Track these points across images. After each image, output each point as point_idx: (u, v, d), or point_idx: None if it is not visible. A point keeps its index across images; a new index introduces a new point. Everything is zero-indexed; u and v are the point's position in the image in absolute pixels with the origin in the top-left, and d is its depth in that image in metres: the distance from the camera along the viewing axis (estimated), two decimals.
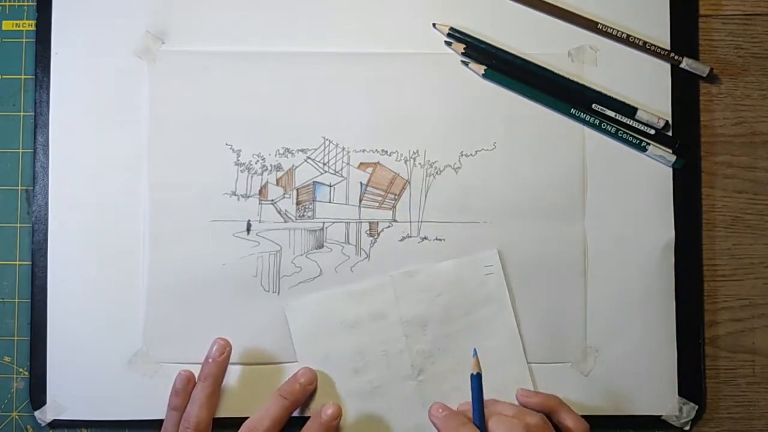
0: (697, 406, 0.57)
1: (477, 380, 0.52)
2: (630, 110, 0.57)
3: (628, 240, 0.57)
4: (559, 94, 0.58)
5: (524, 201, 0.57)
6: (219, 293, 0.57)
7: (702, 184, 0.58)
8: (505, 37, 0.58)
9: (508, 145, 0.58)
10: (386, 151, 0.57)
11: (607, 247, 0.58)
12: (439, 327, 0.56)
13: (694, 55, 0.58)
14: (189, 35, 0.57)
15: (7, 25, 0.58)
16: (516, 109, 0.58)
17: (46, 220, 0.57)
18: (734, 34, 0.59)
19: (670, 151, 0.58)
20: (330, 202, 0.57)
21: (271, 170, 0.57)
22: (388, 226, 0.57)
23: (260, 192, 0.57)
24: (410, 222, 0.57)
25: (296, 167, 0.57)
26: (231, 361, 0.56)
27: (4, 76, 0.58)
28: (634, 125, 0.57)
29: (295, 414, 0.56)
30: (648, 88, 0.58)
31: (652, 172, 0.58)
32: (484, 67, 0.57)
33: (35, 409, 0.56)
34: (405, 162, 0.57)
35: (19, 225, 0.58)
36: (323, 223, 0.57)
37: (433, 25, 0.58)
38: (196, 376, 0.55)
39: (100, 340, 0.56)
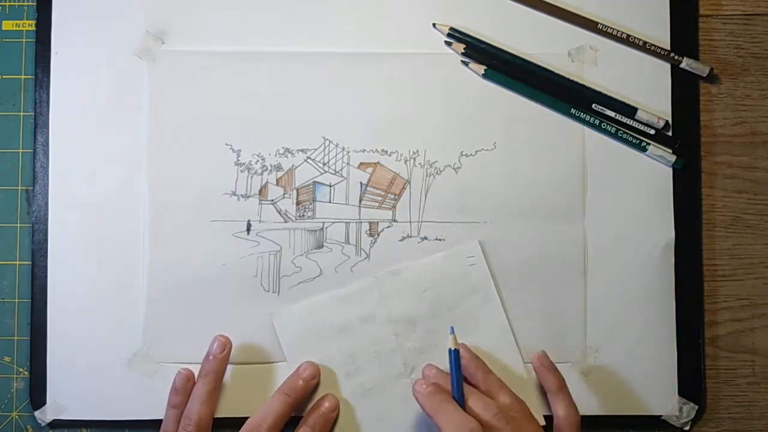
0: (697, 406, 0.57)
1: (455, 355, 0.52)
2: (630, 110, 0.57)
3: (628, 240, 0.57)
4: (559, 94, 0.58)
5: (524, 201, 0.57)
6: (219, 293, 0.57)
7: (702, 184, 0.58)
8: (505, 37, 0.58)
9: (508, 145, 0.58)
10: (386, 151, 0.57)
11: (607, 247, 0.58)
12: (427, 323, 0.56)
13: (694, 55, 0.58)
14: (189, 35, 0.57)
15: (7, 25, 0.58)
16: (516, 109, 0.58)
17: (46, 220, 0.57)
18: (734, 34, 0.59)
19: (670, 151, 0.58)
20: (330, 202, 0.57)
21: (271, 170, 0.57)
22: (388, 226, 0.57)
23: (260, 192, 0.57)
24: (410, 222, 0.57)
25: (296, 167, 0.57)
26: (231, 360, 0.56)
27: (4, 76, 0.58)
28: (634, 125, 0.57)
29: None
30: (648, 88, 0.58)
31: (652, 172, 0.58)
32: (484, 67, 0.57)
33: (35, 409, 0.56)
34: (405, 162, 0.57)
35: (19, 225, 0.58)
36: (323, 223, 0.57)
37: (433, 25, 0.58)
38: (196, 374, 0.55)
39: (100, 340, 0.56)
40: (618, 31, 0.57)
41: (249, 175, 0.57)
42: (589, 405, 0.57)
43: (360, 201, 0.57)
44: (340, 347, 0.56)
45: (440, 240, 0.57)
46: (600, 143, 0.58)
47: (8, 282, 0.57)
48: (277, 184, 0.57)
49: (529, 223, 0.57)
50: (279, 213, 0.57)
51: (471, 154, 0.57)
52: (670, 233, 0.58)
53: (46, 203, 0.57)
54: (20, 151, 0.58)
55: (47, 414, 0.56)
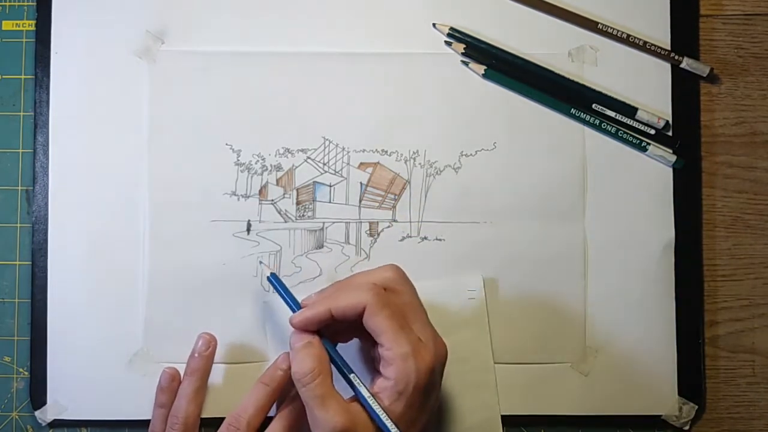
0: (697, 406, 0.57)
1: (274, 279, 0.52)
2: (630, 110, 0.57)
3: (628, 240, 0.57)
4: (559, 94, 0.57)
5: (524, 201, 0.57)
6: (219, 293, 0.57)
7: (702, 184, 0.58)
8: (505, 37, 0.58)
9: (508, 145, 0.58)
10: (386, 151, 0.57)
11: (607, 247, 0.58)
12: None
13: (695, 55, 0.58)
14: (189, 35, 0.57)
15: (7, 25, 0.58)
16: (516, 109, 0.58)
17: (46, 220, 0.57)
18: (735, 34, 0.59)
19: (671, 151, 0.58)
20: (330, 202, 0.57)
21: (271, 170, 0.57)
22: (388, 226, 0.57)
23: (260, 192, 0.57)
24: (410, 222, 0.57)
25: (296, 167, 0.57)
26: (231, 360, 0.56)
27: (4, 76, 0.58)
28: (634, 125, 0.57)
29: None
30: (648, 88, 0.58)
31: (652, 172, 0.58)
32: (484, 67, 0.57)
33: (35, 409, 0.56)
34: (405, 162, 0.57)
35: (19, 225, 0.58)
36: (323, 223, 0.57)
37: (433, 25, 0.58)
38: (182, 373, 0.55)
39: (100, 340, 0.56)
40: (618, 31, 0.57)
41: (249, 175, 0.57)
42: (589, 405, 0.57)
43: (360, 201, 0.57)
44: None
45: (440, 240, 0.57)
46: (600, 143, 0.58)
47: (8, 282, 0.57)
48: (277, 184, 0.57)
49: (529, 223, 0.57)
50: (279, 213, 0.57)
51: (471, 154, 0.57)
52: (670, 233, 0.58)
53: (46, 203, 0.57)
54: (20, 151, 0.58)
55: (47, 414, 0.56)
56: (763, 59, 0.59)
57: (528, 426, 0.57)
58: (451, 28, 0.58)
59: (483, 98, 0.58)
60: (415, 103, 0.57)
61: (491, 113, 0.58)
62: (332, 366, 0.49)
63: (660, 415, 0.57)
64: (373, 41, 0.58)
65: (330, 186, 0.57)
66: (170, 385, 0.55)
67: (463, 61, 0.58)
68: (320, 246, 0.57)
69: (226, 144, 0.57)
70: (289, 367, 0.52)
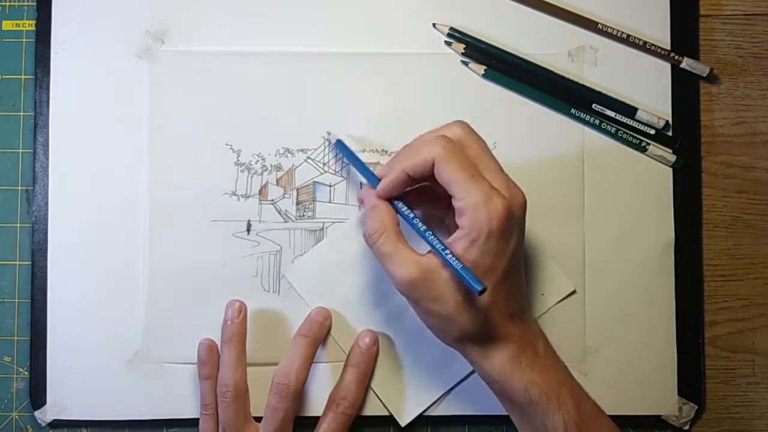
0: (696, 406, 0.57)
1: (340, 146, 0.54)
2: (630, 110, 0.57)
3: (628, 240, 0.57)
4: (559, 94, 0.57)
5: None
6: (219, 293, 0.57)
7: (702, 184, 0.58)
8: (505, 37, 0.58)
9: (508, 145, 0.57)
10: (386, 151, 0.57)
11: (606, 247, 0.57)
12: None
13: (694, 55, 0.58)
14: (189, 35, 0.57)
15: (7, 25, 0.58)
16: (516, 109, 0.58)
17: (46, 220, 0.57)
18: (734, 34, 0.59)
19: (670, 151, 0.58)
20: (330, 202, 0.57)
21: (271, 170, 0.57)
22: None
23: (260, 192, 0.57)
24: None
25: (296, 167, 0.57)
26: None
27: (4, 76, 0.58)
28: (634, 125, 0.57)
29: (306, 414, 0.56)
30: (648, 88, 0.58)
31: (652, 172, 0.58)
32: (484, 67, 0.57)
33: (35, 409, 0.56)
34: None
35: (18, 225, 0.58)
36: (323, 223, 0.57)
37: (433, 25, 0.58)
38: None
39: (100, 340, 0.56)
40: (618, 31, 0.57)
41: (249, 175, 0.57)
42: None
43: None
44: (360, 278, 0.56)
45: None
46: (600, 143, 0.58)
47: (8, 282, 0.57)
48: (277, 184, 0.57)
49: (528, 223, 0.57)
50: (279, 213, 0.57)
51: None
52: (670, 233, 0.58)
53: (46, 203, 0.57)
54: (20, 151, 0.58)
55: (47, 414, 0.56)
56: (763, 59, 0.59)
57: None
58: (451, 28, 0.58)
59: (483, 98, 0.58)
60: (415, 103, 0.57)
61: (491, 113, 0.58)
62: (410, 225, 0.49)
63: (660, 415, 0.57)
64: (373, 41, 0.58)
65: (330, 186, 0.57)
66: (210, 355, 0.55)
67: (463, 61, 0.58)
68: None
69: (226, 144, 0.57)
70: (323, 318, 0.55)
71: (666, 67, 0.58)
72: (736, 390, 0.58)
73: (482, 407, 0.56)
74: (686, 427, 0.57)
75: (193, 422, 0.56)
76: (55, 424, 0.57)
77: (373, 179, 0.52)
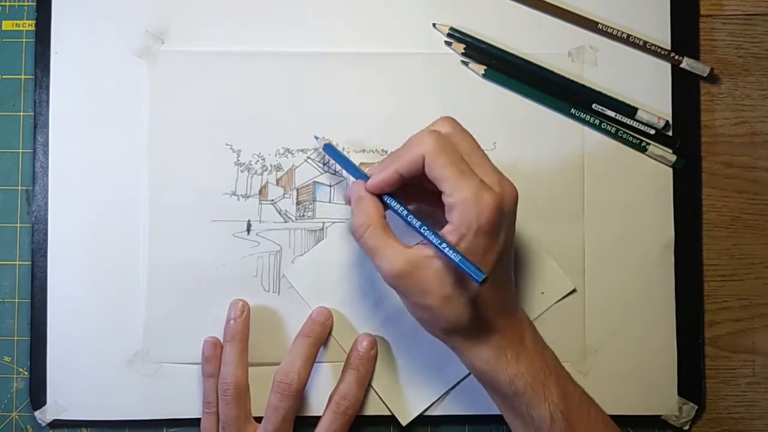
0: (696, 406, 0.57)
1: (329, 149, 0.54)
2: (630, 110, 0.57)
3: (628, 240, 0.57)
4: (559, 94, 0.57)
5: (524, 201, 0.57)
6: (219, 293, 0.57)
7: (702, 184, 0.58)
8: (505, 37, 0.58)
9: (508, 145, 0.57)
10: (386, 151, 0.57)
11: (606, 247, 0.57)
12: None
13: (695, 55, 0.58)
14: (189, 35, 0.57)
15: (7, 25, 0.58)
16: (516, 109, 0.58)
17: (46, 220, 0.57)
18: (735, 34, 0.59)
19: (671, 151, 0.58)
20: (330, 202, 0.57)
21: (271, 170, 0.57)
22: None
23: (260, 192, 0.57)
24: None
25: (296, 167, 0.57)
26: None
27: (4, 76, 0.58)
28: (634, 125, 0.57)
29: (306, 414, 0.56)
30: (648, 88, 0.58)
31: (652, 172, 0.58)
32: (484, 67, 0.57)
33: (35, 409, 0.56)
34: None
35: (18, 225, 0.58)
36: (323, 223, 0.57)
37: (433, 25, 0.58)
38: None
39: (100, 340, 0.56)
40: (618, 31, 0.57)
41: (249, 175, 0.57)
42: None
43: None
44: (360, 280, 0.56)
45: None
46: (600, 143, 0.58)
47: (8, 282, 0.57)
48: (277, 184, 0.57)
49: (528, 223, 0.57)
50: (279, 213, 0.57)
51: None
52: (670, 233, 0.58)
53: (46, 203, 0.57)
54: (20, 151, 0.58)
55: (47, 414, 0.56)
56: (763, 59, 0.59)
57: None
58: (451, 28, 0.58)
59: (483, 98, 0.58)
60: (415, 103, 0.57)
61: (491, 113, 0.58)
62: (403, 220, 0.49)
63: (660, 415, 0.57)
64: (374, 41, 0.58)
65: (330, 186, 0.57)
66: (213, 353, 0.55)
67: (463, 61, 0.58)
68: None
69: (226, 144, 0.57)
70: (325, 318, 0.56)
71: (666, 67, 0.58)
72: (736, 390, 0.58)
73: (482, 407, 0.56)
74: (686, 427, 0.57)
75: (194, 422, 0.56)
76: (55, 424, 0.57)
77: (364, 178, 0.52)
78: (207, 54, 0.57)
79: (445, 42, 0.58)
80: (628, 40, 0.58)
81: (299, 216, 0.57)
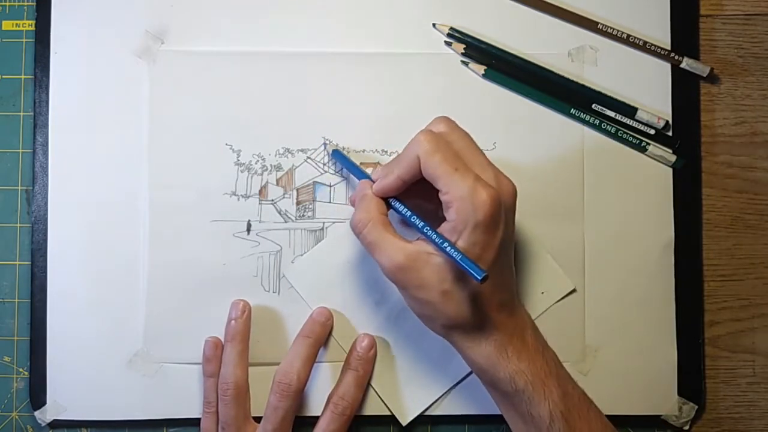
0: (696, 406, 0.57)
1: (336, 154, 0.55)
2: (630, 110, 0.57)
3: (628, 240, 0.57)
4: (559, 94, 0.57)
5: (524, 201, 0.57)
6: (219, 293, 0.57)
7: (702, 184, 0.58)
8: (505, 37, 0.58)
9: (508, 145, 0.58)
10: (386, 151, 0.57)
11: (606, 247, 0.57)
12: None
13: (695, 55, 0.58)
14: (189, 35, 0.57)
15: (7, 25, 0.58)
16: (516, 109, 0.58)
17: (46, 220, 0.57)
18: (735, 34, 0.59)
19: (670, 151, 0.58)
20: (330, 202, 0.57)
21: (271, 170, 0.57)
22: None
23: (260, 192, 0.57)
24: None
25: (296, 167, 0.57)
26: None
27: (4, 76, 0.58)
28: (634, 125, 0.57)
29: (306, 414, 0.56)
30: (648, 88, 0.58)
31: (652, 172, 0.58)
32: (484, 67, 0.57)
33: (35, 409, 0.56)
34: None
35: (18, 225, 0.58)
36: (323, 223, 0.57)
37: (433, 25, 0.58)
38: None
39: (100, 340, 0.56)
40: (618, 31, 0.57)
41: (249, 175, 0.57)
42: None
43: None
44: (360, 280, 0.56)
45: None
46: (600, 143, 0.58)
47: (8, 282, 0.57)
48: (277, 184, 0.57)
49: (528, 223, 0.57)
50: (279, 213, 0.57)
51: None
52: (670, 233, 0.58)
53: (46, 203, 0.57)
54: (20, 151, 0.58)
55: (47, 414, 0.56)
56: (763, 59, 0.59)
57: None
58: (451, 28, 0.58)
59: (483, 98, 0.58)
60: (415, 103, 0.57)
61: (491, 113, 0.58)
62: (407, 220, 0.49)
63: (660, 415, 0.57)
64: (373, 41, 0.58)
65: (330, 186, 0.57)
66: (215, 353, 0.55)
67: (463, 61, 0.58)
68: None
69: (226, 144, 0.57)
70: (326, 319, 0.56)
71: (666, 67, 0.58)
72: (736, 390, 0.58)
73: (482, 407, 0.56)
74: (686, 427, 0.57)
75: (193, 422, 0.56)
76: (55, 424, 0.57)
77: (362, 175, 0.52)
78: (207, 54, 0.57)
79: (445, 42, 0.58)
80: (628, 40, 0.58)
81: (299, 216, 0.57)
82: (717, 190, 0.59)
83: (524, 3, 0.58)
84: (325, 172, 0.57)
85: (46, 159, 0.57)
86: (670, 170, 0.58)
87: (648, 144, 0.57)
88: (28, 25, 0.58)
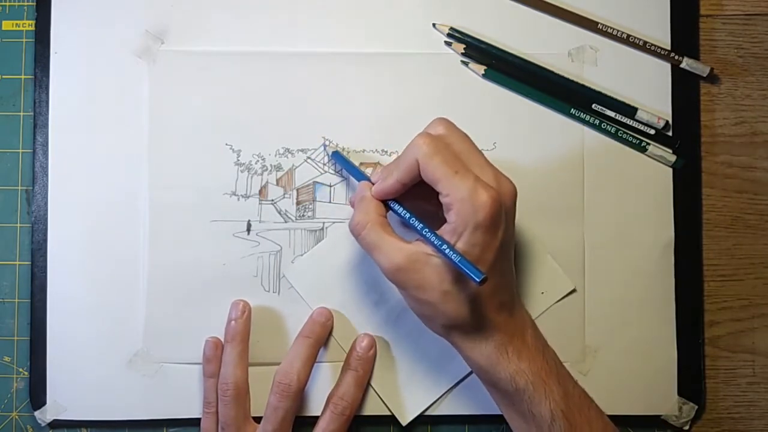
0: (696, 406, 0.57)
1: (336, 156, 0.55)
2: (630, 110, 0.57)
3: (628, 240, 0.57)
4: (559, 94, 0.57)
5: (524, 201, 0.57)
6: (219, 293, 0.57)
7: (702, 184, 0.58)
8: (505, 37, 0.58)
9: (508, 145, 0.58)
10: (386, 151, 0.57)
11: (606, 246, 0.57)
12: None
13: (695, 55, 0.58)
14: (189, 35, 0.57)
15: (7, 25, 0.58)
16: (516, 109, 0.58)
17: (46, 220, 0.57)
18: (735, 34, 0.59)
19: (670, 151, 0.58)
20: (330, 202, 0.57)
21: (271, 170, 0.57)
22: None
23: (260, 192, 0.57)
24: None
25: (296, 167, 0.57)
26: None
27: (4, 76, 0.58)
28: (634, 125, 0.57)
29: (306, 414, 0.56)
30: (648, 88, 0.58)
31: (652, 172, 0.58)
32: (484, 67, 0.57)
33: (35, 409, 0.56)
34: None
35: (18, 225, 0.58)
36: (323, 223, 0.57)
37: (433, 25, 0.58)
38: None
39: (100, 340, 0.56)
40: (618, 31, 0.57)
41: (249, 175, 0.57)
42: None
43: None
44: (360, 280, 0.56)
45: None
46: (600, 143, 0.58)
47: (8, 282, 0.57)
48: (277, 184, 0.57)
49: (528, 223, 0.57)
50: (279, 213, 0.57)
51: None
52: (670, 233, 0.58)
53: (46, 203, 0.57)
54: (20, 151, 0.58)
55: (47, 414, 0.56)
56: (763, 59, 0.59)
57: None
58: (451, 28, 0.58)
59: (483, 98, 0.58)
60: (415, 103, 0.57)
61: (491, 113, 0.58)
62: (407, 223, 0.49)
63: (660, 415, 0.57)
64: (373, 41, 0.58)
65: (330, 186, 0.57)
66: (215, 353, 0.55)
67: (463, 61, 0.58)
68: None
69: (226, 144, 0.57)
70: (326, 319, 0.56)
71: (666, 67, 0.58)
72: (736, 390, 0.58)
73: (482, 407, 0.56)
74: (686, 427, 0.57)
75: (193, 422, 0.56)
76: (55, 424, 0.57)
77: (362, 177, 0.52)
78: (207, 54, 0.57)
79: (445, 42, 0.58)
80: (628, 40, 0.58)
81: (299, 216, 0.57)
82: (717, 190, 0.59)
83: (524, 3, 0.58)
84: (325, 172, 0.57)
85: (46, 159, 0.57)
86: (670, 170, 0.58)
87: (648, 144, 0.57)
88: (28, 25, 0.58)
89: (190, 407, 0.56)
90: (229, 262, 0.57)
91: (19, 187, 0.58)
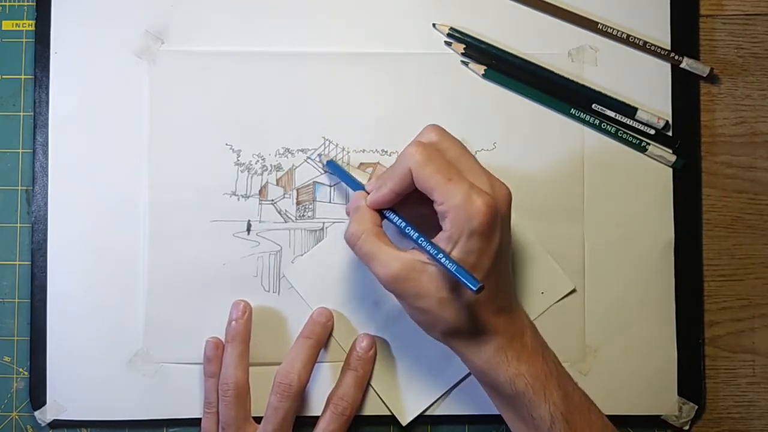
0: (696, 406, 0.57)
1: (331, 165, 0.55)
2: (630, 110, 0.57)
3: (628, 240, 0.57)
4: (559, 94, 0.57)
5: (524, 201, 0.57)
6: (219, 293, 0.57)
7: (702, 184, 0.58)
8: (505, 37, 0.58)
9: (508, 145, 0.58)
10: (386, 151, 0.57)
11: (606, 246, 0.57)
12: None
13: (695, 55, 0.58)
14: (189, 35, 0.57)
15: (7, 25, 0.58)
16: (516, 109, 0.58)
17: (46, 220, 0.57)
18: (735, 34, 0.59)
19: (670, 151, 0.58)
20: (330, 202, 0.57)
21: (271, 170, 0.57)
22: None
23: (260, 192, 0.57)
24: None
25: (296, 167, 0.57)
26: None
27: (4, 76, 0.58)
28: (634, 125, 0.57)
29: (306, 414, 0.56)
30: (648, 88, 0.58)
31: (652, 172, 0.58)
32: (484, 67, 0.57)
33: (35, 409, 0.56)
34: None
35: (18, 225, 0.58)
36: (323, 223, 0.57)
37: (433, 25, 0.58)
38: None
39: (100, 340, 0.56)
40: (618, 31, 0.57)
41: (249, 175, 0.57)
42: None
43: None
44: (360, 280, 0.56)
45: None
46: (600, 143, 0.58)
47: (8, 282, 0.57)
48: (277, 184, 0.57)
49: (528, 223, 0.57)
50: (279, 213, 0.57)
51: None
52: (670, 233, 0.58)
53: (46, 203, 0.57)
54: (20, 151, 0.58)
55: (47, 414, 0.56)
56: (763, 59, 0.59)
57: None
58: (451, 28, 0.58)
59: (483, 98, 0.58)
60: (415, 103, 0.57)
61: (491, 113, 0.58)
62: (402, 232, 0.49)
63: (660, 415, 0.57)
64: (373, 41, 0.58)
65: (330, 186, 0.57)
66: (216, 353, 0.55)
67: (463, 61, 0.58)
68: None
69: (226, 144, 0.57)
70: (326, 319, 0.56)
71: (666, 67, 0.58)
72: (736, 390, 0.58)
73: (482, 407, 0.56)
74: (686, 427, 0.57)
75: (194, 422, 0.56)
76: (55, 424, 0.57)
77: (358, 186, 0.52)
78: (207, 54, 0.57)
79: (445, 42, 0.58)
80: (628, 40, 0.58)
81: (299, 216, 0.57)
82: (717, 190, 0.59)
83: (524, 3, 0.58)
84: (325, 172, 0.57)
85: (46, 159, 0.57)
86: (670, 170, 0.58)
87: (648, 144, 0.57)
88: (28, 25, 0.58)
89: (190, 407, 0.56)
90: (229, 262, 0.57)
91: (19, 187, 0.58)
